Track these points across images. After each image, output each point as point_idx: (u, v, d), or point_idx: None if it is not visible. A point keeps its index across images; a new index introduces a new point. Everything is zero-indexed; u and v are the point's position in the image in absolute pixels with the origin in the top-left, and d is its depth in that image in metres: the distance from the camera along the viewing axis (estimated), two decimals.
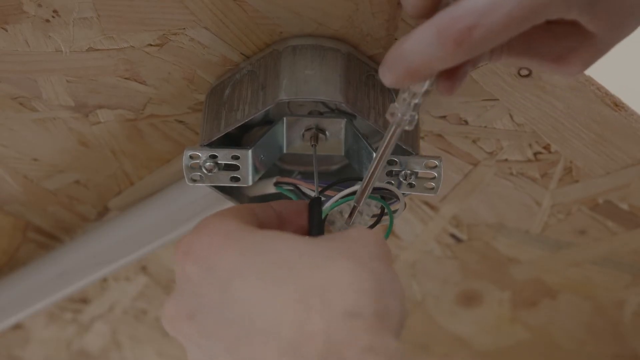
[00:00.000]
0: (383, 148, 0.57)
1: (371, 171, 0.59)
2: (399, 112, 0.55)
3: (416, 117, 0.55)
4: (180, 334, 0.55)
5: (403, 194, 0.67)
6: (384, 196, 0.64)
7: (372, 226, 0.65)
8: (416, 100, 0.54)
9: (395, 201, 0.65)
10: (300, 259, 0.52)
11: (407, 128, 0.56)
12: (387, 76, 0.53)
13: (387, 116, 0.56)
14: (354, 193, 0.61)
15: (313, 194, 0.65)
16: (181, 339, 0.55)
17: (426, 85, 0.54)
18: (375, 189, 0.63)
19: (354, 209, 0.61)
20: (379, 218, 0.65)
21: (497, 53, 0.56)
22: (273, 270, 0.52)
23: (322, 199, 0.62)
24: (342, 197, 0.62)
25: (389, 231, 0.64)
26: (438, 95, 0.54)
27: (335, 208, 0.63)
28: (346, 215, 0.64)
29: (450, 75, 0.54)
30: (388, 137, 0.57)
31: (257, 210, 0.59)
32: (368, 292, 0.50)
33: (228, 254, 0.53)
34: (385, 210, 0.64)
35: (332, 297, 0.50)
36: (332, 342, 0.49)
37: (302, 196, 0.65)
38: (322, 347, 0.49)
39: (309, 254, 0.53)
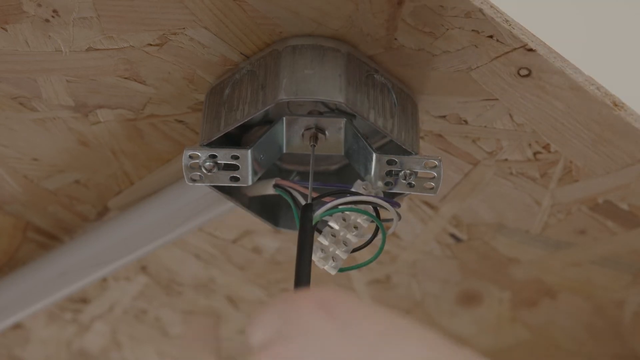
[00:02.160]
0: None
1: None
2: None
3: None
4: None
5: (402, 193, 0.67)
6: (379, 206, 0.64)
7: (366, 244, 0.64)
8: None
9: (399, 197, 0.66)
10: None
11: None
12: None
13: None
14: (345, 203, 0.62)
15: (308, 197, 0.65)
16: None
17: None
18: (368, 203, 0.63)
19: None
20: (373, 235, 0.64)
21: None
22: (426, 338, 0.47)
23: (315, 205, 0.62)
24: (334, 207, 0.62)
25: (381, 248, 0.63)
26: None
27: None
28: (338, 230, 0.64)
29: None
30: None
31: None
32: None
33: (372, 315, 0.47)
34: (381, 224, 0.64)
35: None
36: None
37: (295, 201, 0.65)
38: None
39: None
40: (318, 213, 0.61)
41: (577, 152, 0.71)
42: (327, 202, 0.62)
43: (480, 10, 0.62)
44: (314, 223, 0.61)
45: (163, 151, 0.75)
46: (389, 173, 0.65)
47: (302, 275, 0.57)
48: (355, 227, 0.64)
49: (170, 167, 0.76)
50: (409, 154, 0.65)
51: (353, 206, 0.63)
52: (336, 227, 0.64)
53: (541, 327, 0.91)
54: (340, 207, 0.62)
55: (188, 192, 0.75)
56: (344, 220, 0.64)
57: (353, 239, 0.64)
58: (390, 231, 0.64)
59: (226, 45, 0.66)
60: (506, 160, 0.74)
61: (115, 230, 0.78)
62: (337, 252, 0.64)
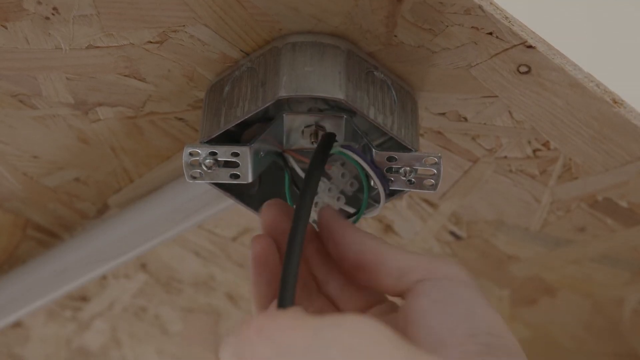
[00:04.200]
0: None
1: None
2: None
3: None
4: None
5: (402, 190, 0.67)
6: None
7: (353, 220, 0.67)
8: None
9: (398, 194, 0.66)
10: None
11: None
12: None
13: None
14: (361, 165, 0.65)
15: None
16: None
17: None
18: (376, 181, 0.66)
19: None
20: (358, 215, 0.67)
21: None
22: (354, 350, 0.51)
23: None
24: (354, 160, 0.65)
25: (360, 214, 0.66)
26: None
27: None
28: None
29: None
30: None
31: None
32: None
33: (299, 334, 0.52)
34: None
35: None
36: None
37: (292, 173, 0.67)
38: None
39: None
40: (338, 148, 0.64)
41: (576, 150, 0.71)
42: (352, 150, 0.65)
43: (480, 7, 0.62)
44: (331, 152, 0.63)
45: (163, 148, 0.75)
46: (389, 170, 0.65)
47: (304, 209, 0.60)
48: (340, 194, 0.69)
49: (170, 164, 0.76)
50: (409, 150, 0.65)
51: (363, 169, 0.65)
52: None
53: (540, 325, 0.91)
54: (358, 164, 0.65)
55: (188, 190, 0.75)
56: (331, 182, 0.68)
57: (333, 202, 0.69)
58: (376, 209, 0.67)
59: (226, 42, 0.66)
60: (505, 157, 0.74)
61: (115, 228, 0.78)
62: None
